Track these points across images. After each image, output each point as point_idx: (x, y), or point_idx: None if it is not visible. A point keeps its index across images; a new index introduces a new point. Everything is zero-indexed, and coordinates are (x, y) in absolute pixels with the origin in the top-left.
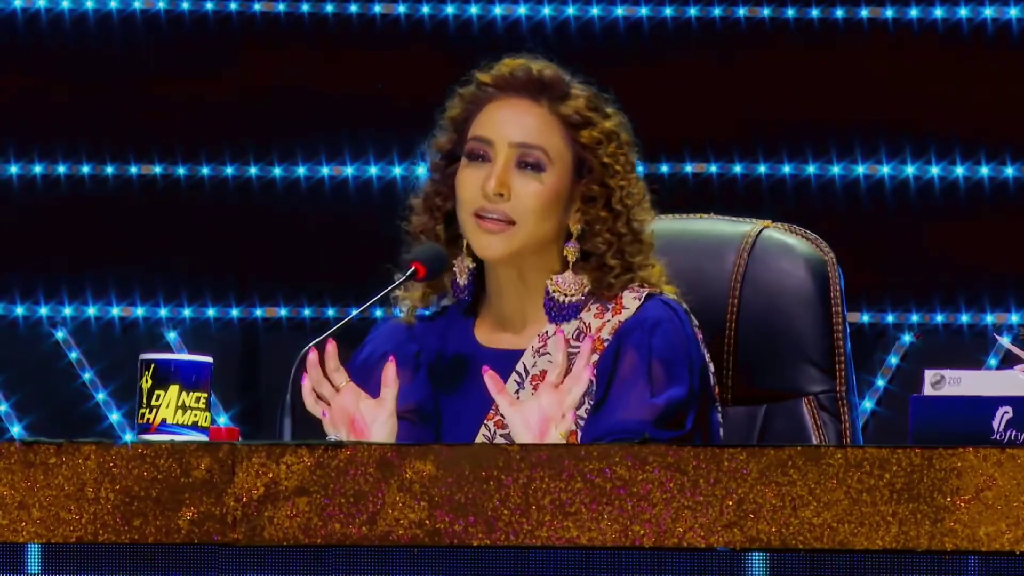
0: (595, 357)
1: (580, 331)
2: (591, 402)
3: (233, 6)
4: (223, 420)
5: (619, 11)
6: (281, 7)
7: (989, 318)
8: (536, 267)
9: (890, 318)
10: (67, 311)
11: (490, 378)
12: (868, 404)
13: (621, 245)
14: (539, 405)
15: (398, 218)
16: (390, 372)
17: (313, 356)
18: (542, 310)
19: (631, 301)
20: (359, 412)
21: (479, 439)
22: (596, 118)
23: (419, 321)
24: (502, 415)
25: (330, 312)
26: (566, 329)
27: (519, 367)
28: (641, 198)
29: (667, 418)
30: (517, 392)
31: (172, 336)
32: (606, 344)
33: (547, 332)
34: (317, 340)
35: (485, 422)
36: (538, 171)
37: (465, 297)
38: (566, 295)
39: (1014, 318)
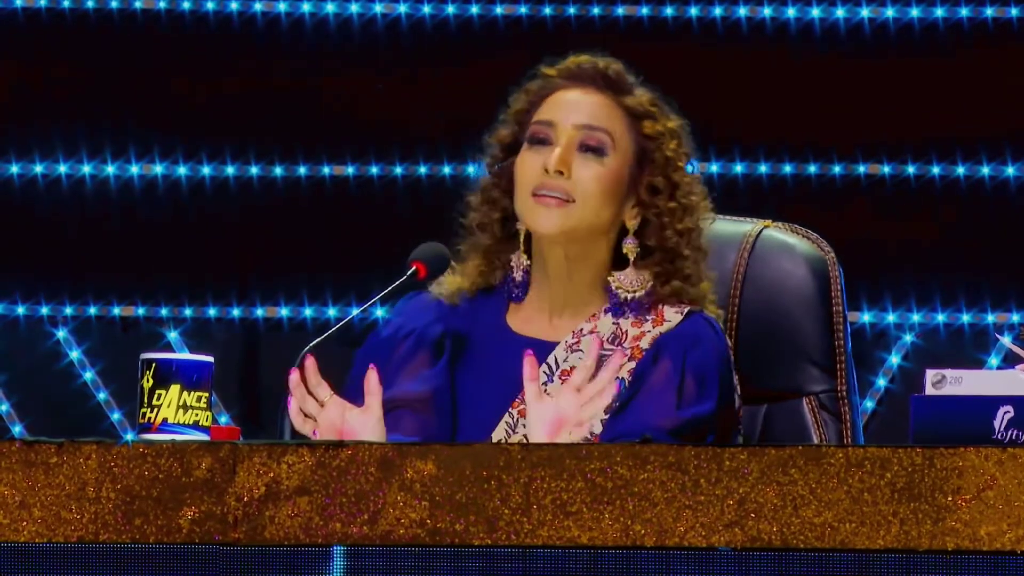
0: (631, 364)
1: (615, 336)
2: (617, 403)
3: (234, 6)
4: (224, 419)
5: (620, 10)
6: (282, 7)
7: (990, 318)
8: (585, 256)
9: (891, 317)
10: (68, 310)
11: (529, 363)
12: (869, 404)
13: (691, 239)
14: (557, 405)
15: (454, 213)
16: (373, 380)
17: (295, 376)
18: (580, 305)
19: (673, 315)
20: (347, 424)
21: (501, 426)
22: (659, 115)
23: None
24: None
25: (331, 312)
26: (601, 330)
27: (550, 360)
28: (701, 200)
29: (687, 432)
30: (545, 385)
31: (173, 335)
32: (644, 352)
33: (582, 329)
34: (317, 340)
35: (510, 409)
36: (600, 155)
37: (520, 293)
38: (629, 291)
39: (1015, 318)
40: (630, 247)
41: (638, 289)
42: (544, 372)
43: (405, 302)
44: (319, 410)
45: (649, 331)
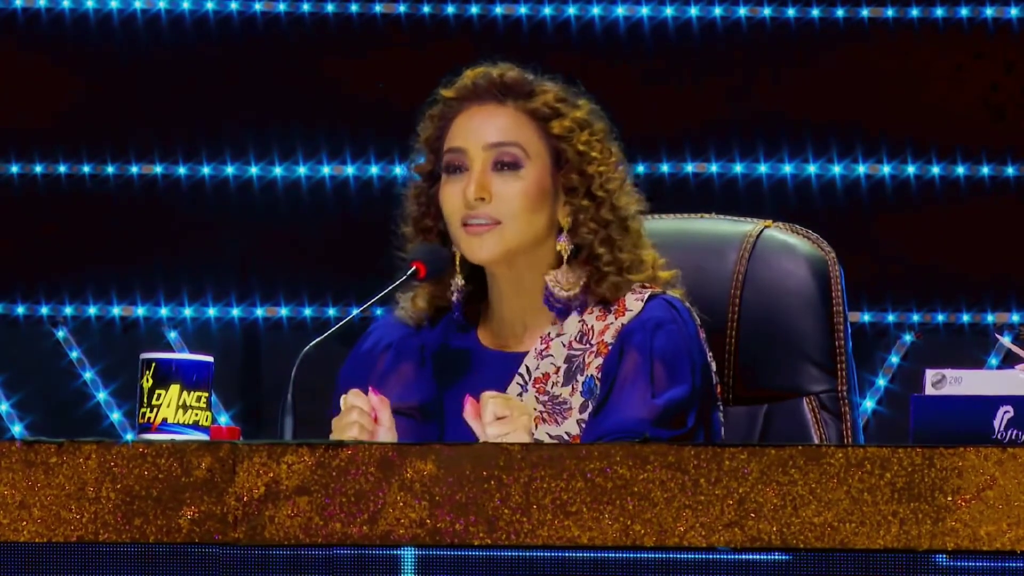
0: (599, 360)
1: (583, 334)
2: (593, 404)
3: (234, 6)
4: (224, 419)
5: (620, 11)
6: (282, 7)
7: (990, 317)
8: (531, 266)
9: (891, 317)
10: (68, 310)
11: (471, 406)
12: (869, 403)
13: (608, 233)
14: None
15: (396, 235)
16: (375, 398)
17: (378, 402)
18: (542, 312)
19: (634, 303)
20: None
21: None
22: (565, 108)
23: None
24: None
25: (331, 312)
26: (568, 331)
27: (522, 370)
28: (622, 183)
29: (667, 418)
30: (520, 395)
31: (173, 335)
32: (610, 347)
33: (549, 334)
34: (317, 340)
35: None
36: (516, 169)
37: (457, 316)
38: (564, 289)
39: (1015, 317)
40: (562, 245)
41: (571, 287)
42: (518, 383)
43: (381, 318)
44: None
45: (612, 323)
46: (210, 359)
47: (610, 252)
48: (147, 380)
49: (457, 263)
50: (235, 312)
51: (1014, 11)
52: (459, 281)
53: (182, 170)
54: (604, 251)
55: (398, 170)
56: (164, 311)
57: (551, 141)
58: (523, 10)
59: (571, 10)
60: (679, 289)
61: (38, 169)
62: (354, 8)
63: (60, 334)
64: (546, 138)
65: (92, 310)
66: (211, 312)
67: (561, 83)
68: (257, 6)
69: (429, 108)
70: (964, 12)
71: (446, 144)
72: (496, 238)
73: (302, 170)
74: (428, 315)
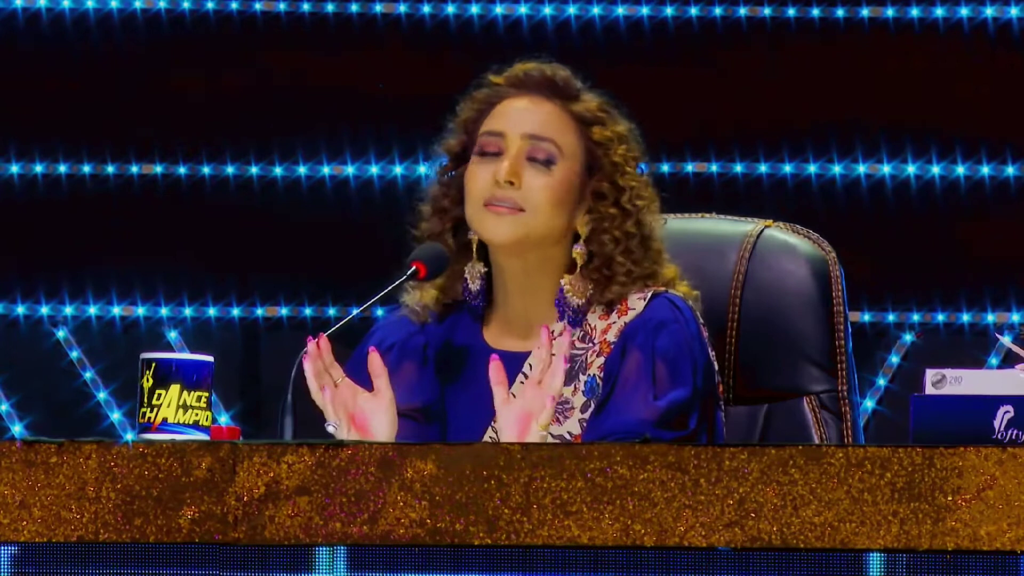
0: (601, 359)
1: (585, 333)
2: (595, 403)
3: (234, 5)
4: (224, 419)
5: (620, 10)
6: (282, 6)
7: (990, 317)
8: (541, 265)
9: (891, 317)
10: (68, 310)
11: (495, 368)
12: (869, 403)
13: (629, 245)
14: (522, 403)
15: (405, 223)
16: (376, 362)
17: (312, 347)
18: (547, 311)
19: (636, 302)
20: (358, 408)
21: (485, 438)
22: (608, 119)
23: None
24: None
25: (331, 311)
26: (573, 331)
27: (525, 368)
28: (651, 203)
29: (669, 419)
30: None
31: (173, 335)
32: (612, 346)
33: (553, 332)
34: (317, 340)
35: (492, 423)
36: (548, 165)
37: (478, 302)
38: (577, 296)
39: (1015, 317)
40: (578, 252)
41: (583, 295)
42: (521, 382)
43: (383, 318)
44: (332, 389)
45: (615, 322)
46: (210, 359)
47: (627, 263)
48: (147, 380)
49: (475, 250)
50: (235, 312)
51: (1014, 11)
52: (480, 268)
53: (182, 170)
54: (623, 260)
55: (398, 170)
56: (164, 311)
57: (588, 146)
58: (523, 10)
59: (571, 10)
60: (698, 304)
61: (38, 169)
62: (354, 8)
63: (60, 334)
64: (584, 142)
65: (92, 310)
66: (211, 312)
67: (607, 98)
68: (257, 6)
69: (473, 91)
70: (964, 12)
71: (484, 127)
72: (516, 223)
73: (302, 170)
74: (436, 312)
